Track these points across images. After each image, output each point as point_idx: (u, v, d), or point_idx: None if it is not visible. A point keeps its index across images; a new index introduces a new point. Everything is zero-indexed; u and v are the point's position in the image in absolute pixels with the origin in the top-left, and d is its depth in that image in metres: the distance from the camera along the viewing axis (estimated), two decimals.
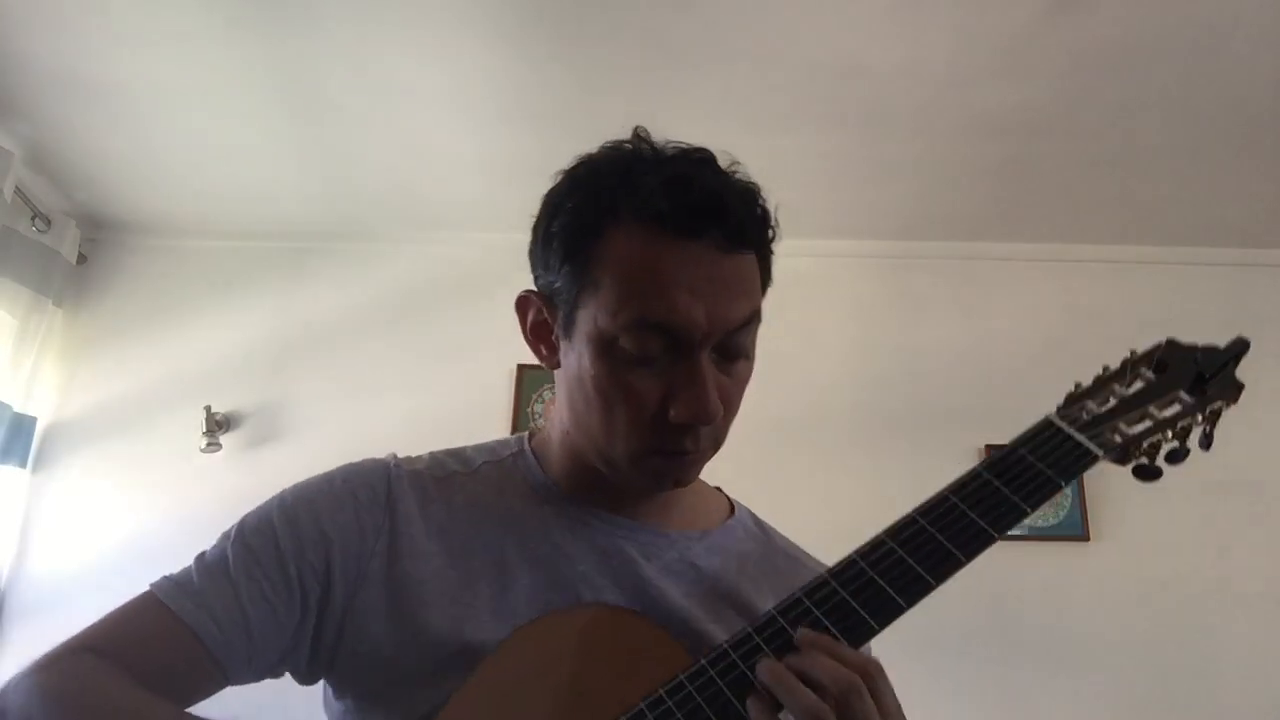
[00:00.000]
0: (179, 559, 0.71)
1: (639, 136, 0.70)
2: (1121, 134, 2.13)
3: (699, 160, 0.69)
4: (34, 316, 2.39)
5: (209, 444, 2.38)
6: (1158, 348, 0.76)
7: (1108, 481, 2.39)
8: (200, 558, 0.70)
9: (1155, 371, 0.74)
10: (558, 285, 0.68)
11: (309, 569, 0.68)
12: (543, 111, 2.09)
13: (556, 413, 0.77)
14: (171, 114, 2.16)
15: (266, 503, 0.73)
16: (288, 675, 0.72)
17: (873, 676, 0.57)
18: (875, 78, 1.95)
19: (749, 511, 0.86)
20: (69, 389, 2.51)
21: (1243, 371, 0.72)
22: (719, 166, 0.69)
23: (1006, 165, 2.27)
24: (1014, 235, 2.60)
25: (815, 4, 1.75)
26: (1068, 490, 2.36)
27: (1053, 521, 2.35)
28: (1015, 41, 1.83)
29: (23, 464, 2.36)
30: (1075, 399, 0.74)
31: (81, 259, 2.60)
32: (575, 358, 0.68)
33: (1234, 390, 0.72)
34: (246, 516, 0.72)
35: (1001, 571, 2.30)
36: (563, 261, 0.67)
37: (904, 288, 2.63)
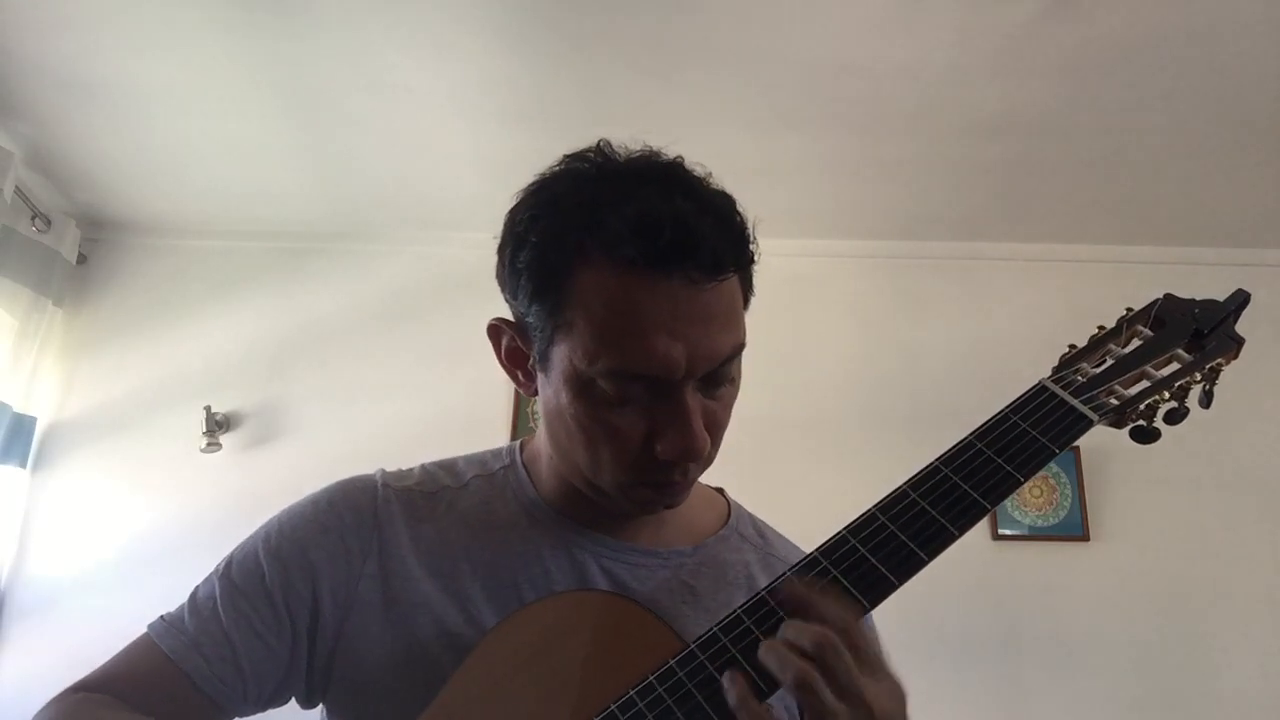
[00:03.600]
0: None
1: (601, 152, 0.66)
2: (1121, 134, 2.13)
3: (667, 181, 0.63)
4: (34, 316, 2.39)
5: (209, 444, 2.38)
6: (1155, 303, 0.74)
7: (1108, 481, 2.39)
8: (193, 595, 0.71)
9: (1152, 328, 0.72)
10: (530, 320, 0.65)
11: (297, 599, 0.68)
12: (542, 111, 2.09)
13: (541, 434, 0.75)
14: (171, 114, 2.16)
15: (253, 534, 0.73)
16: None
17: (847, 631, 0.55)
18: (875, 78, 1.95)
19: (749, 516, 0.83)
20: (69, 389, 2.51)
21: (1241, 372, 0.71)
22: (690, 181, 0.64)
23: (1006, 165, 2.27)
24: (1014, 235, 2.60)
25: (815, 4, 1.75)
26: (1068, 490, 2.36)
27: (1053, 521, 2.35)
28: (1014, 41, 1.83)
29: (23, 464, 2.36)
30: (1070, 360, 0.72)
31: (81, 259, 2.60)
32: (553, 392, 0.65)
33: (1234, 346, 0.69)
34: (234, 550, 0.72)
35: (1001, 571, 2.31)
36: (531, 299, 0.64)
37: (904, 288, 2.63)
